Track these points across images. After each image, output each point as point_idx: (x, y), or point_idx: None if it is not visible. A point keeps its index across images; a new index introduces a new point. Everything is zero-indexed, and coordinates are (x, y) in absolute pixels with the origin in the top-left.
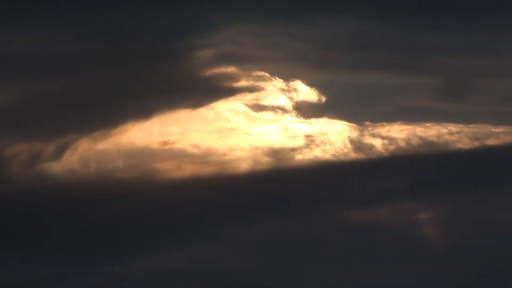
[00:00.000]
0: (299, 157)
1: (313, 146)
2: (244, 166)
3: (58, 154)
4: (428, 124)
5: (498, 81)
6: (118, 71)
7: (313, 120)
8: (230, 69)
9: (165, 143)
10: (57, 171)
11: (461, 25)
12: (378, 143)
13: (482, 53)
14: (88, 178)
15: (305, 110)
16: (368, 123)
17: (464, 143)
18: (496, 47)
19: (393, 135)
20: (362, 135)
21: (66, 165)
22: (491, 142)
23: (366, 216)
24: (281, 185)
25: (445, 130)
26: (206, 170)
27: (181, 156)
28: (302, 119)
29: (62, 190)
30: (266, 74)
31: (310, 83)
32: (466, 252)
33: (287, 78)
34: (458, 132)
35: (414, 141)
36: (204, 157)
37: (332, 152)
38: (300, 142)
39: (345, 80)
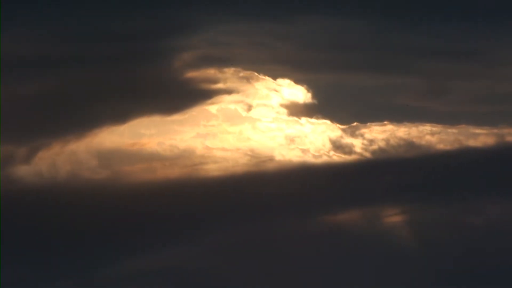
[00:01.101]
0: (279, 158)
1: (295, 147)
2: (223, 167)
3: (30, 157)
4: (416, 124)
5: (481, 82)
6: (94, 74)
7: (300, 120)
8: (212, 70)
9: (141, 145)
10: (28, 174)
11: (445, 26)
12: (362, 144)
13: (466, 54)
14: (59, 181)
15: (293, 110)
16: (356, 123)
17: (445, 144)
18: (480, 49)
19: (379, 136)
20: (349, 136)
21: (38, 168)
22: (471, 143)
23: (341, 219)
24: (258, 187)
25: (429, 131)
26: (183, 172)
27: (157, 158)
28: (288, 120)
29: (32, 193)
30: (252, 74)
31: (296, 83)
32: (445, 255)
33: (272, 78)
34: (439, 133)
35: (403, 142)
36: (182, 159)
37: (317, 154)
38: (284, 142)
39: (331, 81)
